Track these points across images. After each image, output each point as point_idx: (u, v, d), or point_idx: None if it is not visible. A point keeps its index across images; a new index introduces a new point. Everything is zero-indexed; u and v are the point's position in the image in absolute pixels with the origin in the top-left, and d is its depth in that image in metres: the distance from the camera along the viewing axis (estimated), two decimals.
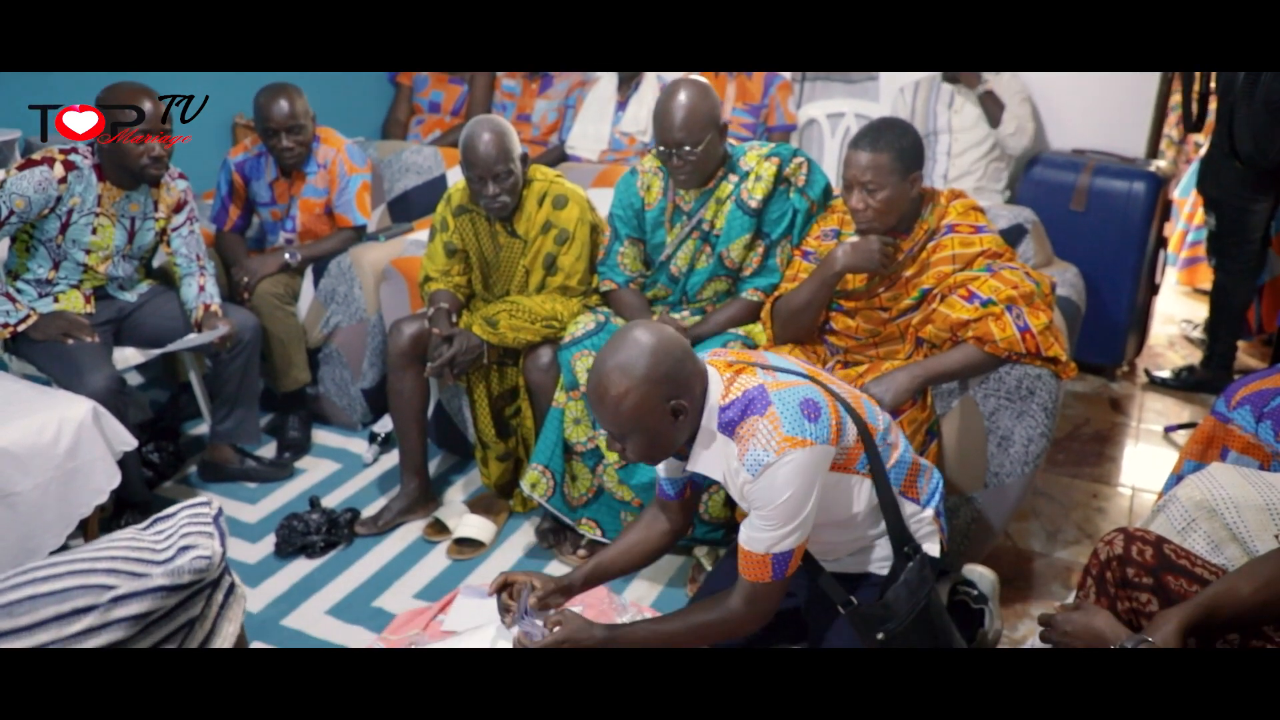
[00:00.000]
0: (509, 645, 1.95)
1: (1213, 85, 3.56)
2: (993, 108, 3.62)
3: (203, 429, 3.34)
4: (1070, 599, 1.79)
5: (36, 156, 2.67)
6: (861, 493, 1.90)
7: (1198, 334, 4.16)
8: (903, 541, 1.95)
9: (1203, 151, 3.72)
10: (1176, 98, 3.95)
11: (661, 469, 2.06)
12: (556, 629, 1.84)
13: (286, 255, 3.28)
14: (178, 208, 2.97)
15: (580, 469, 2.66)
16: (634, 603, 2.50)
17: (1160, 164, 3.72)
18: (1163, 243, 3.83)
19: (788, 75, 4.00)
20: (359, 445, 3.37)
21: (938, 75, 3.74)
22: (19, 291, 2.81)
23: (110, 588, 0.92)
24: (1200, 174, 3.64)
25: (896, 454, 1.96)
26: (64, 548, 2.44)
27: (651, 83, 4.03)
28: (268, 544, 2.81)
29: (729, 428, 1.79)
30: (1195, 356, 3.98)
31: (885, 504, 1.92)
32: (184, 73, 2.17)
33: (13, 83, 3.11)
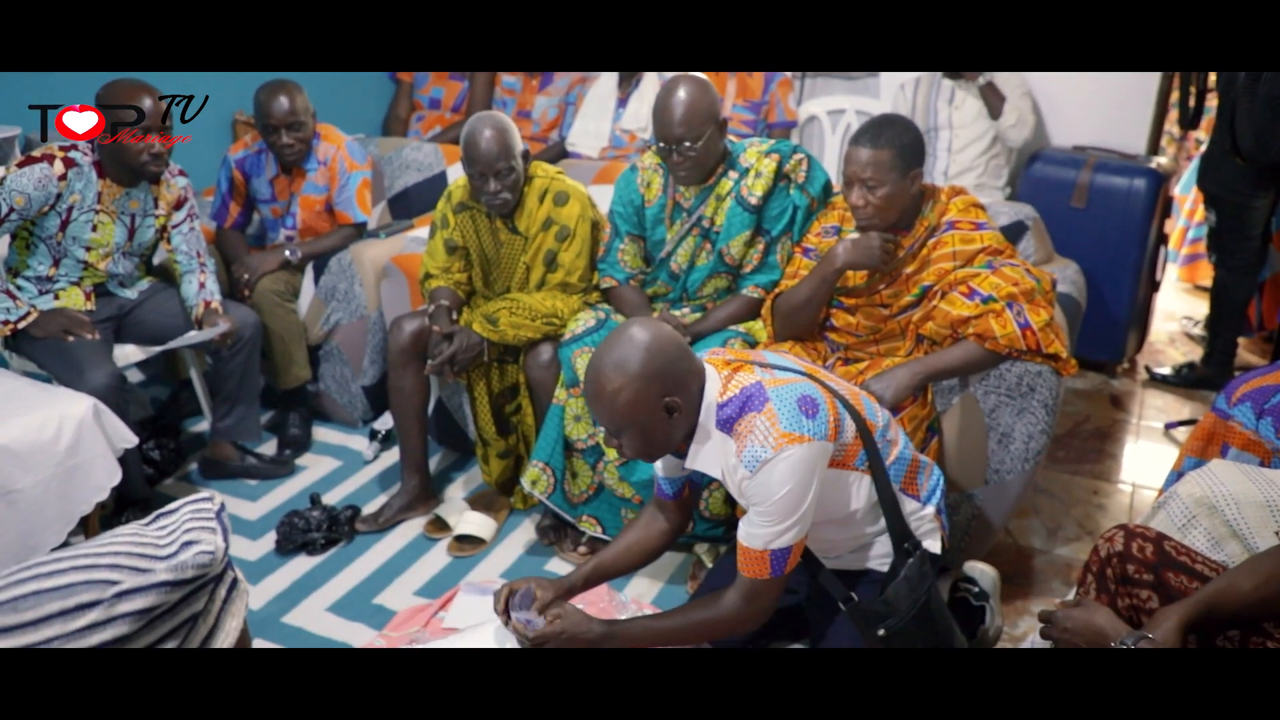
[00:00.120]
0: (510, 641, 1.96)
1: (1211, 82, 3.56)
2: (993, 99, 3.62)
3: (203, 426, 3.34)
4: (1071, 596, 1.79)
5: (36, 153, 2.67)
6: (861, 489, 1.90)
7: (1198, 331, 4.16)
8: (903, 538, 1.95)
9: (1203, 148, 3.72)
10: (1177, 94, 3.95)
11: (660, 468, 2.06)
12: (555, 623, 1.85)
13: (287, 252, 3.28)
14: (178, 205, 2.96)
15: (581, 466, 2.66)
16: (635, 600, 2.50)
17: (1161, 160, 3.72)
18: (1163, 239, 3.83)
19: (788, 72, 4.00)
20: (359, 442, 3.37)
21: (938, 71, 3.74)
22: (19, 289, 2.81)
23: (114, 583, 0.92)
24: (1201, 170, 3.64)
25: (896, 451, 1.97)
26: (65, 545, 2.45)
27: (652, 80, 4.02)
28: (268, 541, 2.81)
29: (727, 425, 1.80)
30: (1196, 353, 3.98)
31: (885, 501, 1.92)
32: (184, 72, 2.17)
33: (13, 81, 3.11)
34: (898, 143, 2.27)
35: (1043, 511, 2.95)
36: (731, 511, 2.51)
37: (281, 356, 3.27)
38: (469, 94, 4.34)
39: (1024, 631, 2.41)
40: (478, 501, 2.95)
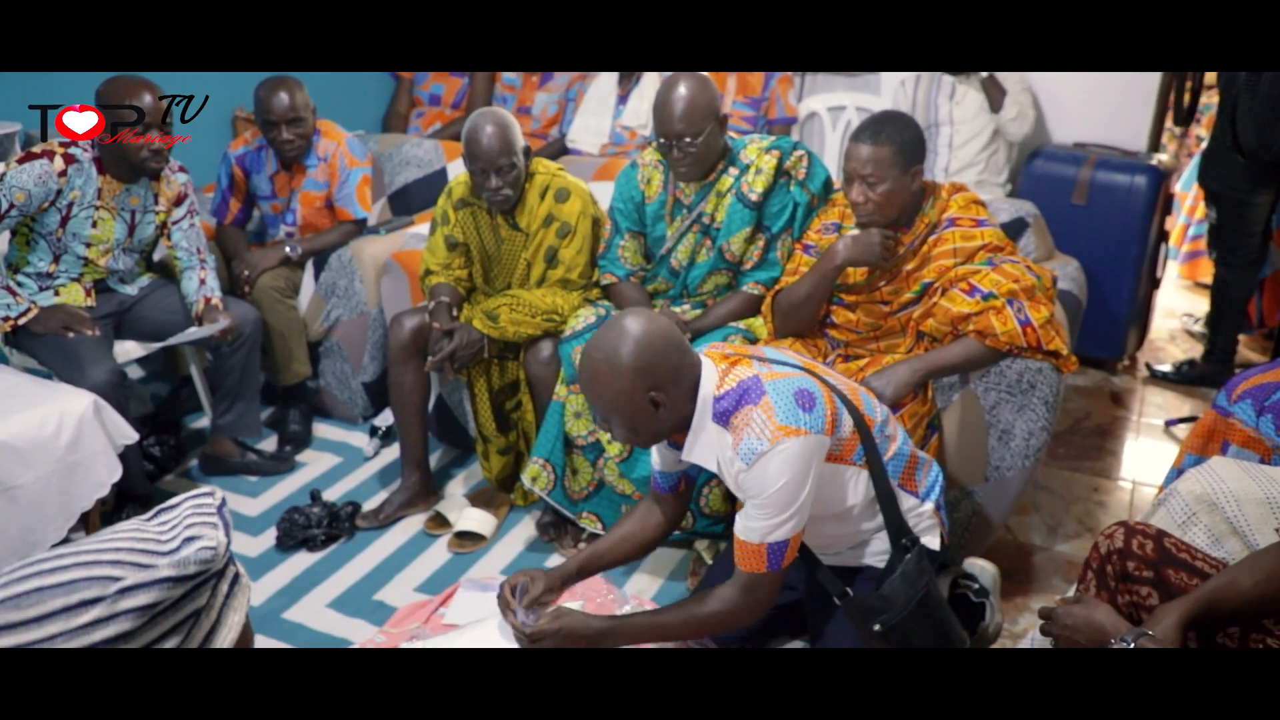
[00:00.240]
0: (511, 637, 1.96)
1: (1209, 80, 3.56)
2: (995, 93, 3.62)
3: (204, 422, 3.34)
4: (1071, 592, 1.79)
5: (36, 149, 2.67)
6: (858, 484, 1.91)
7: (1199, 328, 4.16)
8: (901, 534, 1.95)
9: (1204, 145, 3.72)
10: (1184, 99, 3.95)
11: (656, 462, 2.07)
12: (554, 621, 1.86)
13: (287, 249, 3.28)
14: (178, 201, 2.96)
15: (581, 462, 2.66)
16: (635, 596, 2.50)
17: (1162, 158, 3.72)
18: (1164, 236, 3.83)
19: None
20: (360, 439, 3.37)
21: (939, 70, 3.73)
22: (19, 285, 2.81)
23: (117, 579, 0.92)
24: (1202, 167, 3.64)
25: (894, 446, 1.97)
26: (65, 541, 2.45)
27: (652, 77, 4.02)
28: (269, 537, 2.81)
29: (723, 418, 1.80)
30: (1196, 350, 3.98)
31: (882, 496, 1.92)
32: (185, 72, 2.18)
33: (13, 79, 3.10)
34: (898, 139, 2.27)
35: (1043, 508, 2.95)
36: (731, 508, 2.51)
37: (282, 353, 3.27)
38: (469, 90, 4.34)
39: (1024, 628, 2.42)
40: (478, 498, 2.95)
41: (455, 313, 2.79)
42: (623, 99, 4.05)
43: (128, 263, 2.95)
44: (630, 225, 2.75)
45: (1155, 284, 3.89)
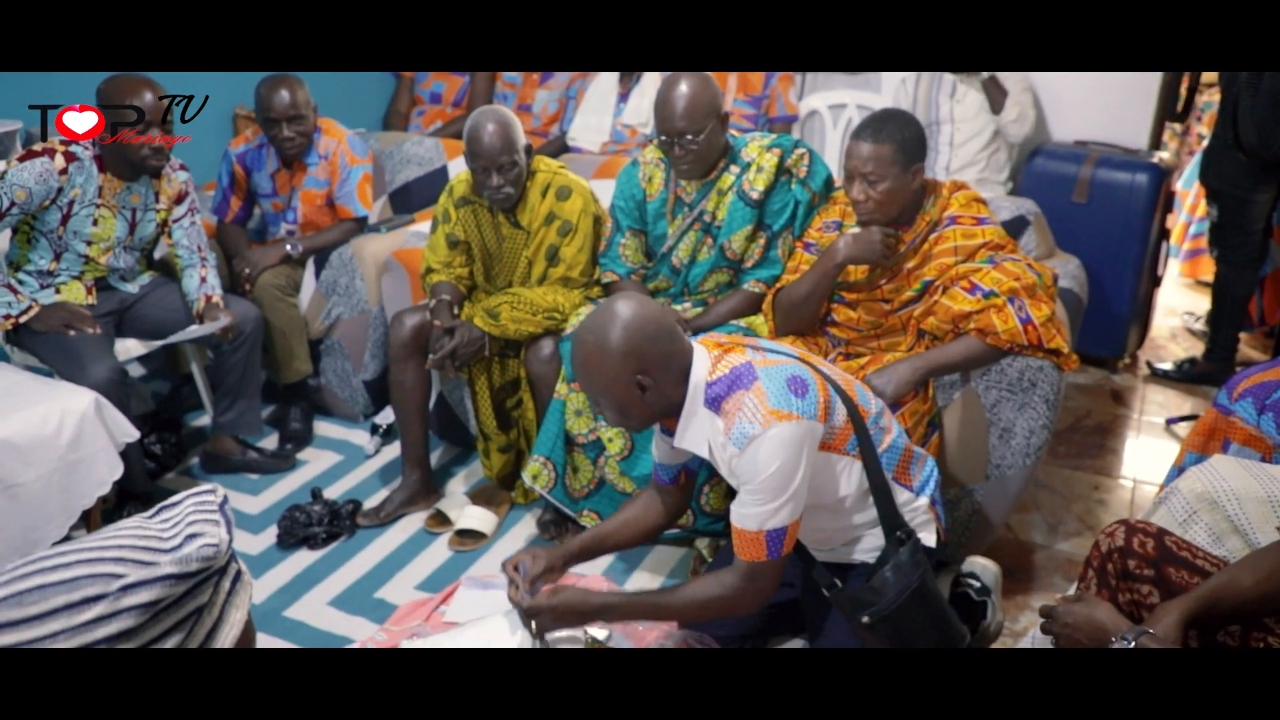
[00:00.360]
0: (512, 633, 1.96)
1: (1208, 77, 3.57)
2: (996, 94, 3.62)
3: (204, 420, 3.34)
4: (1071, 591, 1.79)
5: (37, 148, 2.67)
6: (852, 475, 1.90)
7: (1200, 326, 4.16)
8: (895, 527, 1.94)
9: (1205, 143, 3.72)
10: (1180, 91, 3.95)
11: (656, 455, 2.07)
12: (553, 596, 1.87)
13: (288, 247, 3.28)
14: (179, 199, 2.97)
15: (582, 460, 2.66)
16: None
17: (1163, 156, 3.72)
18: (1165, 235, 3.83)
19: None
20: (361, 437, 3.38)
21: (941, 70, 3.73)
22: (20, 283, 2.81)
23: (119, 576, 0.92)
24: (1203, 165, 3.65)
25: (889, 439, 1.96)
26: (66, 539, 2.45)
27: (653, 75, 4.02)
28: (270, 535, 2.82)
29: (715, 403, 1.81)
30: (1197, 349, 3.98)
31: (876, 487, 1.92)
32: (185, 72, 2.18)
33: (14, 78, 3.10)
34: (899, 137, 2.27)
35: (1044, 507, 2.95)
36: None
37: (282, 351, 3.27)
38: (470, 89, 4.34)
39: (1025, 626, 2.42)
40: (479, 496, 2.95)
41: (456, 311, 2.79)
42: (623, 97, 4.05)
43: (129, 261, 2.95)
44: (631, 223, 2.75)
45: (1156, 282, 3.89)
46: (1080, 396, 3.65)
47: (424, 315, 2.79)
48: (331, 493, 3.02)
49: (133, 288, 3.01)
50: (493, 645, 2.01)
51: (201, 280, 2.99)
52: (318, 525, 2.78)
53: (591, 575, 2.56)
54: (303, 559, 2.73)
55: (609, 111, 4.06)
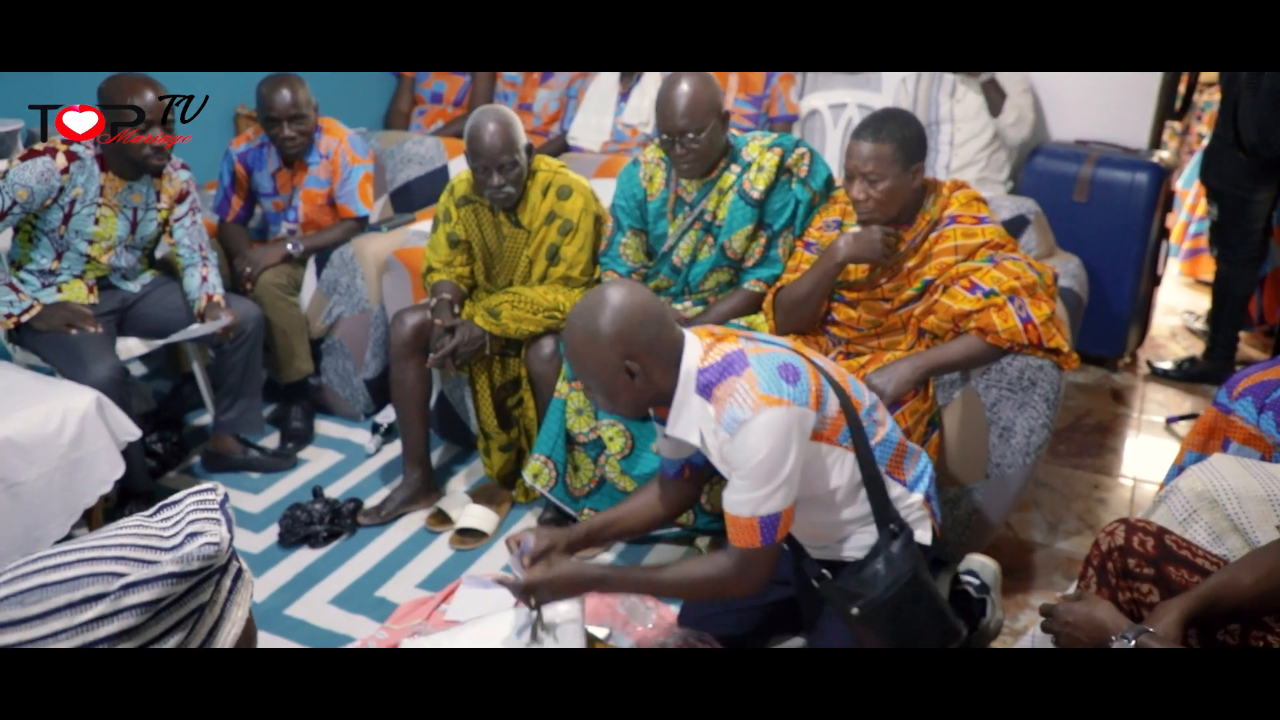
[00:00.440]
0: (514, 628, 1.97)
1: (1208, 76, 3.57)
2: (995, 96, 3.62)
3: (206, 419, 3.34)
4: (1071, 589, 1.79)
5: (39, 147, 2.67)
6: (844, 466, 1.89)
7: (1200, 325, 4.16)
8: (887, 520, 1.94)
9: (1206, 142, 3.72)
10: (1179, 89, 3.95)
11: (660, 449, 2.08)
12: (549, 569, 1.89)
13: (289, 246, 3.28)
14: (180, 198, 2.97)
15: (582, 459, 2.67)
16: None
17: (1163, 155, 3.72)
18: (1165, 234, 3.83)
19: None
20: (362, 436, 3.38)
21: (941, 70, 3.73)
22: (22, 282, 2.81)
23: (120, 575, 0.92)
24: (1203, 164, 3.65)
25: (883, 432, 1.95)
26: (68, 537, 2.45)
27: (653, 75, 4.02)
28: (271, 534, 2.82)
29: (706, 390, 1.81)
30: (1197, 348, 3.98)
31: (869, 480, 1.91)
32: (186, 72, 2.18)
33: (16, 76, 3.10)
34: (899, 136, 2.27)
35: (1044, 505, 2.96)
36: None
37: (284, 350, 3.27)
38: (471, 88, 4.34)
39: (1025, 625, 2.42)
40: (479, 495, 2.96)
41: (457, 310, 2.79)
42: (624, 96, 4.05)
43: (130, 260, 2.95)
44: (632, 222, 2.75)
45: (1156, 281, 3.89)
46: (1080, 395, 3.65)
47: (425, 314, 2.79)
48: (332, 491, 3.02)
49: (134, 287, 3.01)
50: (495, 640, 2.02)
51: (203, 279, 2.99)
52: (319, 524, 2.79)
53: None
54: (304, 557, 2.74)
55: (610, 111, 4.07)
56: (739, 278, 2.70)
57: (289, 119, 3.14)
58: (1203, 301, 4.30)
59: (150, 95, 2.66)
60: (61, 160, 2.66)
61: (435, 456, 3.15)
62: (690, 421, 1.86)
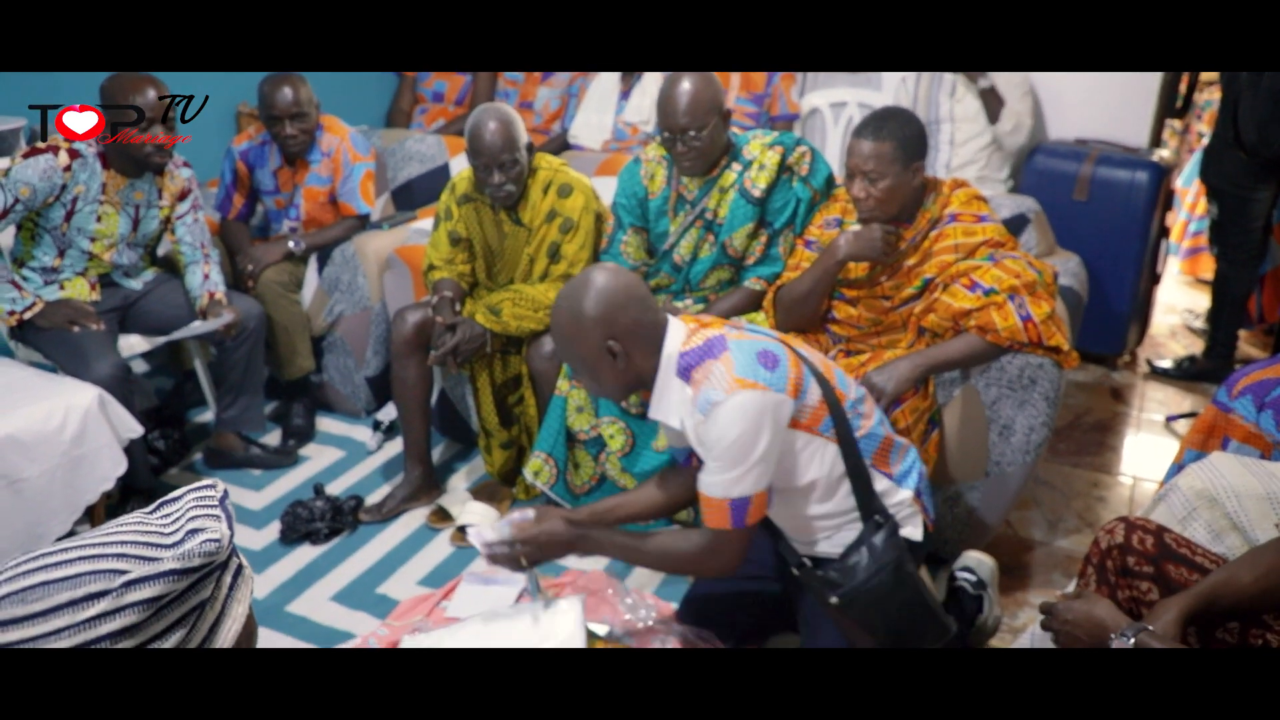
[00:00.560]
0: (513, 634, 1.98)
1: (1206, 75, 3.57)
2: (993, 104, 3.61)
3: (208, 416, 3.35)
4: (1071, 587, 1.80)
5: (41, 144, 2.68)
6: (825, 457, 1.88)
7: (1199, 324, 4.17)
8: (872, 511, 1.93)
9: (1205, 141, 3.73)
10: (1180, 88, 3.95)
11: (669, 438, 2.10)
12: (532, 527, 1.98)
13: (290, 243, 3.29)
14: (182, 196, 2.97)
15: (583, 457, 2.67)
16: (636, 590, 2.50)
17: (1163, 154, 3.72)
18: (1165, 232, 3.83)
19: None
20: (363, 433, 3.38)
21: (942, 71, 3.73)
22: (25, 279, 2.82)
23: (122, 572, 0.93)
24: (1203, 163, 3.65)
25: (868, 425, 1.94)
26: (70, 534, 2.46)
27: (654, 73, 4.02)
28: (272, 531, 2.83)
29: (686, 373, 1.83)
30: (1197, 346, 3.98)
31: (853, 471, 1.90)
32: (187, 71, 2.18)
33: (15, 77, 3.11)
34: (900, 135, 2.28)
35: (1043, 504, 2.96)
36: None
37: (285, 347, 3.28)
38: (472, 87, 4.34)
39: (1024, 623, 2.42)
40: (480, 492, 2.96)
41: (458, 307, 2.80)
42: (625, 95, 4.05)
43: (132, 257, 2.96)
44: (633, 220, 2.75)
45: (1156, 280, 3.89)
46: (1080, 394, 3.66)
47: (426, 312, 2.79)
48: (334, 489, 3.03)
49: (136, 284, 3.01)
50: (497, 633, 2.05)
51: (205, 277, 3.00)
52: (320, 521, 2.79)
53: (593, 571, 2.57)
54: (305, 554, 2.74)
55: (611, 109, 4.07)
56: (740, 276, 2.70)
57: (291, 117, 3.15)
58: (1202, 300, 4.30)
59: (152, 93, 2.66)
60: (64, 158, 2.66)
61: (436, 454, 3.16)
62: (671, 405, 1.88)
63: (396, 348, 2.84)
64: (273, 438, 3.33)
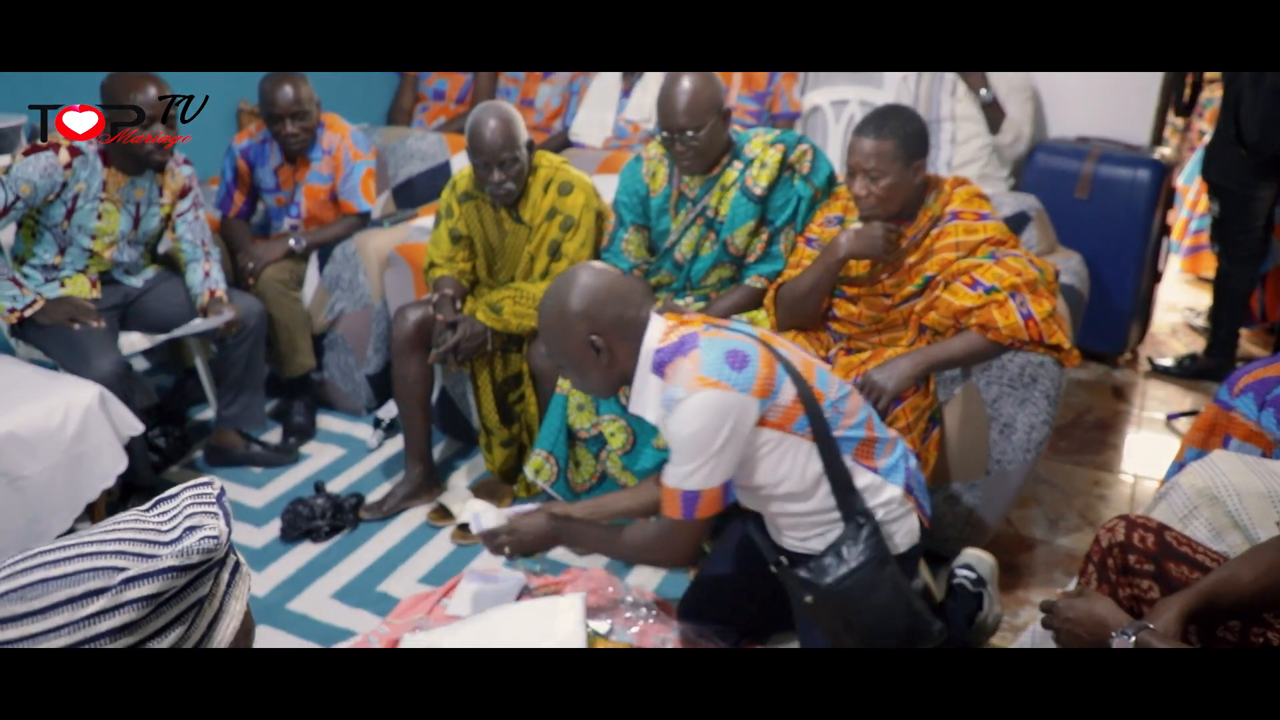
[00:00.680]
0: (514, 633, 1.98)
1: (1208, 74, 3.56)
2: (994, 115, 3.60)
3: (208, 414, 3.35)
4: (1072, 586, 1.79)
5: (42, 142, 2.68)
6: (799, 455, 1.88)
7: (1201, 322, 4.16)
8: (853, 511, 1.92)
9: (1207, 139, 3.72)
10: (1184, 92, 3.95)
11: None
12: (509, 521, 2.10)
13: (291, 241, 3.29)
14: (182, 194, 2.97)
15: (584, 455, 2.67)
16: (637, 588, 2.51)
17: (1164, 151, 3.72)
18: (1166, 230, 3.83)
19: None
20: (364, 431, 3.38)
21: (943, 71, 3.72)
22: (25, 277, 2.82)
23: (121, 570, 0.93)
24: (1204, 161, 3.65)
25: (850, 423, 1.93)
26: (70, 531, 2.46)
27: (655, 72, 4.02)
28: (273, 528, 2.83)
29: (659, 368, 1.87)
30: (1198, 344, 3.98)
31: (831, 469, 1.90)
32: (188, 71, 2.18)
33: (16, 77, 3.10)
34: (901, 133, 2.28)
35: (1044, 502, 2.96)
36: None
37: (286, 345, 3.28)
38: (473, 85, 4.34)
39: (1025, 621, 2.42)
40: (481, 490, 2.96)
41: (459, 305, 2.80)
42: (626, 93, 4.05)
43: (132, 255, 2.96)
44: (634, 218, 2.75)
45: (1157, 278, 3.89)
46: (1081, 392, 3.66)
47: (427, 310, 2.79)
48: (334, 486, 3.03)
49: (137, 282, 3.01)
50: (497, 631, 2.06)
51: (205, 275, 3.00)
52: (321, 519, 2.79)
53: (593, 569, 2.57)
54: (306, 552, 2.74)
55: (611, 107, 4.07)
56: (741, 274, 2.70)
57: (291, 116, 3.15)
58: (1204, 298, 4.30)
59: (153, 91, 2.66)
60: (64, 155, 2.66)
61: (437, 452, 3.16)
62: (648, 400, 1.92)
63: (397, 345, 2.84)
64: (273, 435, 3.33)
